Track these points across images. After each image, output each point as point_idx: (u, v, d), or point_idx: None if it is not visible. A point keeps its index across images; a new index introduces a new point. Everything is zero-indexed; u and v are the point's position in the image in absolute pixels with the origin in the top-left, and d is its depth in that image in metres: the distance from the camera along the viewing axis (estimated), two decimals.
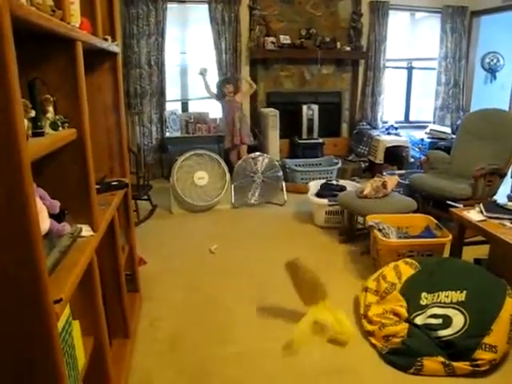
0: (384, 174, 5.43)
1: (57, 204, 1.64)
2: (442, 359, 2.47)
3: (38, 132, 1.50)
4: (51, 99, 1.65)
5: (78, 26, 1.79)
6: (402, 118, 7.88)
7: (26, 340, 1.33)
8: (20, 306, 1.29)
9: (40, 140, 1.48)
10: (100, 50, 2.30)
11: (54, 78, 1.69)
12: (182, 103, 7.02)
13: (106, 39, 2.39)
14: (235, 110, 6.03)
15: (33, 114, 1.46)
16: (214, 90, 6.22)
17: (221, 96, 6.11)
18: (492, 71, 7.75)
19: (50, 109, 1.64)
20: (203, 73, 6.06)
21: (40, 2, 1.36)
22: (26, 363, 1.35)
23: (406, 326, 2.67)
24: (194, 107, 7.01)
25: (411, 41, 7.72)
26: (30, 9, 1.25)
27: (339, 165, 6.34)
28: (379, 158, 6.67)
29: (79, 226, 1.82)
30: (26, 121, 1.36)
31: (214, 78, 6.45)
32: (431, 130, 7.07)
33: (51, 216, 1.60)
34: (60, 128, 1.65)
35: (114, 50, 2.54)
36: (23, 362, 1.35)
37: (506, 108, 7.19)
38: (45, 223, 1.50)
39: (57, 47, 1.66)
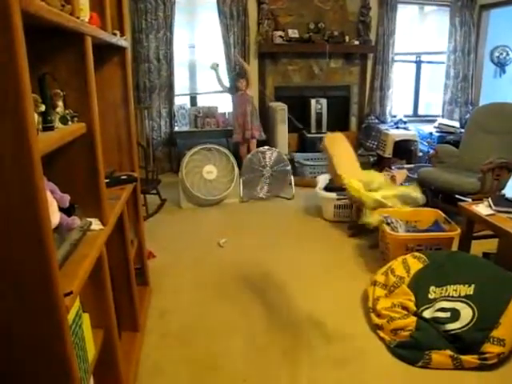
0: (393, 168, 5.42)
1: (67, 198, 1.65)
2: (450, 352, 2.47)
3: (48, 126, 1.51)
4: (61, 94, 1.66)
5: (87, 20, 1.80)
6: (410, 111, 7.84)
7: (36, 332, 1.35)
8: (31, 298, 1.30)
9: (50, 134, 1.49)
10: (109, 44, 2.31)
11: (64, 72, 1.70)
12: (191, 97, 7.03)
13: (114, 34, 2.40)
14: (247, 103, 6.03)
15: (43, 108, 1.47)
16: (227, 83, 6.24)
17: (234, 90, 6.12)
18: (501, 65, 7.68)
19: (60, 103, 1.65)
20: (215, 68, 6.07)
21: None
22: (37, 355, 1.37)
23: (414, 319, 2.67)
24: (202, 101, 7.01)
25: (420, 34, 7.67)
26: (41, 4, 1.26)
27: None
28: (388, 152, 6.63)
29: (89, 219, 1.84)
30: (36, 115, 1.37)
31: (224, 72, 6.48)
32: (440, 124, 7.03)
33: (61, 210, 1.62)
34: (70, 122, 1.66)
35: (122, 45, 2.55)
36: (34, 354, 1.37)
37: None
38: (55, 217, 1.52)
39: (66, 42, 1.67)
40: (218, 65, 6.11)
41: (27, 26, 1.14)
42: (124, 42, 2.57)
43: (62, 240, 1.58)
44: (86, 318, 1.70)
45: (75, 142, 1.73)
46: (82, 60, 1.72)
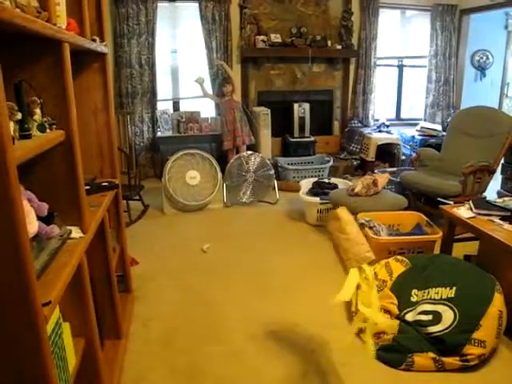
0: (375, 171, 5.45)
1: (45, 206, 1.63)
2: (432, 355, 2.50)
3: (25, 134, 1.49)
4: (38, 101, 1.64)
5: (64, 27, 1.79)
6: (393, 115, 7.90)
7: (14, 343, 1.33)
8: (8, 309, 1.29)
9: (27, 142, 1.47)
10: (88, 50, 2.29)
11: (41, 79, 1.68)
12: (174, 102, 6.99)
13: (94, 40, 2.38)
14: (234, 109, 6.02)
15: (19, 116, 1.46)
16: (211, 92, 6.25)
17: (220, 96, 6.10)
18: (482, 69, 7.77)
19: (37, 111, 1.63)
20: (201, 82, 6.07)
21: (25, 4, 1.36)
22: (15, 367, 1.35)
23: (396, 322, 2.69)
24: (185, 106, 6.98)
25: (402, 39, 7.74)
26: (15, 11, 1.24)
27: (331, 163, 6.36)
28: (371, 156, 6.69)
29: (69, 227, 1.82)
30: (12, 123, 1.36)
31: (207, 77, 6.49)
32: (422, 127, 7.10)
33: (40, 218, 1.60)
34: (48, 130, 1.64)
35: (102, 51, 2.53)
36: (12, 365, 1.35)
37: (496, 105, 7.25)
38: (33, 226, 1.50)
39: (43, 49, 1.65)
40: (203, 79, 6.12)
41: (2, 33, 1.12)
42: (104, 47, 2.56)
43: (41, 249, 1.56)
44: (66, 328, 1.68)
45: (54, 150, 1.71)
46: (60, 67, 1.70)
